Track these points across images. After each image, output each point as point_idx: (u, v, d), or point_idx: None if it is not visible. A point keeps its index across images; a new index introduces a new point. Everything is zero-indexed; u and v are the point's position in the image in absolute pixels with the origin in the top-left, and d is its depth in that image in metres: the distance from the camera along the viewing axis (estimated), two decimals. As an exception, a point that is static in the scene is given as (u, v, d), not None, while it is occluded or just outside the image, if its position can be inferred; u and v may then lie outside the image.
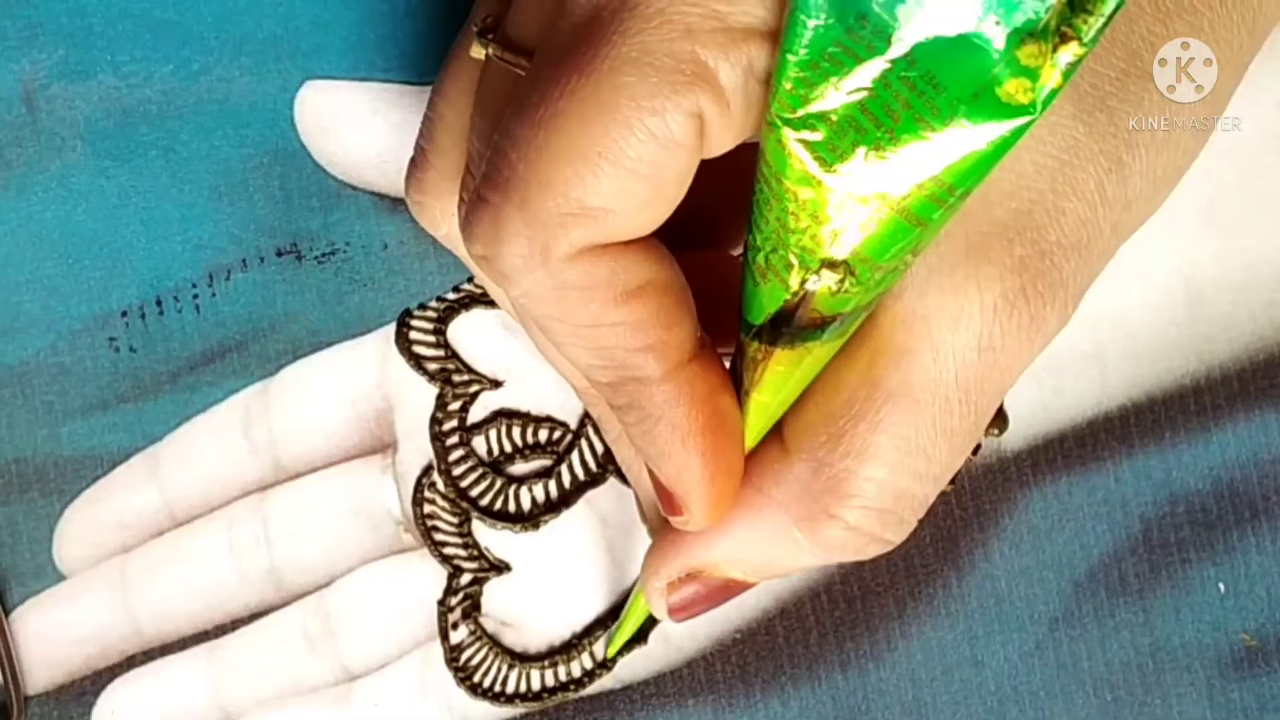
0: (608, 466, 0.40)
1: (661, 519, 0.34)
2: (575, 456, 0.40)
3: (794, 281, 0.26)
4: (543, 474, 0.40)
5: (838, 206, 0.25)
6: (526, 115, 0.26)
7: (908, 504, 0.29)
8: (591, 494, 0.40)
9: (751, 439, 0.30)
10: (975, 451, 0.39)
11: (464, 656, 0.39)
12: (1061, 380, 0.40)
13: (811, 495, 0.29)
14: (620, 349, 0.27)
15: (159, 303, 0.39)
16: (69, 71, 0.39)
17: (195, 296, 0.39)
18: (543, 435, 0.40)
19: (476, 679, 0.39)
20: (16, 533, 0.39)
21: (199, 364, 0.39)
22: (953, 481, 0.39)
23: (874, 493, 0.29)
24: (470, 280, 0.40)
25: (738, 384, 0.29)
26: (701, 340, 0.29)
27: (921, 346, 0.28)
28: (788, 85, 0.24)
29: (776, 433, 0.30)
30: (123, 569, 0.39)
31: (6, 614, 0.39)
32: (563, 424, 0.40)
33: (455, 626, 0.39)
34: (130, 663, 0.39)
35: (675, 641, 0.40)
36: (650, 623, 0.39)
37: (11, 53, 0.39)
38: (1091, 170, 0.27)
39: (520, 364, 0.40)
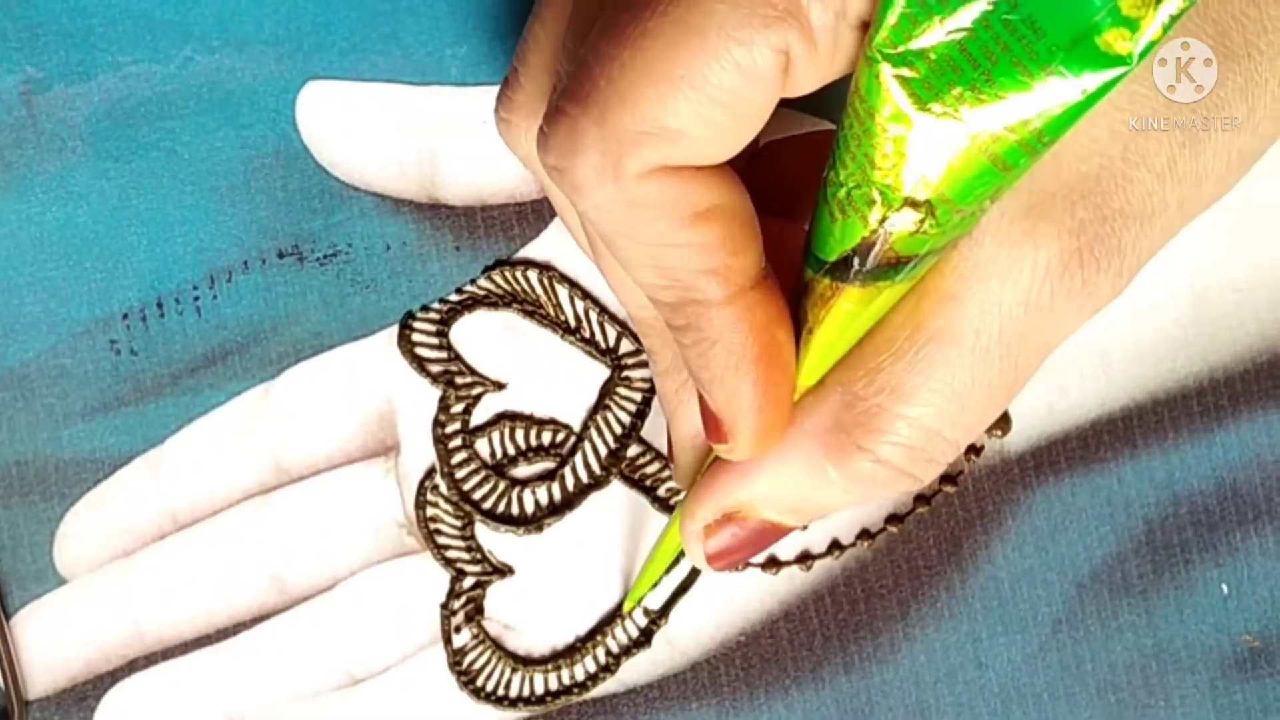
0: (611, 469, 0.40)
1: (690, 466, 0.34)
2: (578, 459, 0.40)
3: (874, 219, 0.26)
4: (546, 477, 0.40)
5: (927, 145, 0.25)
6: (615, 33, 0.26)
7: (938, 445, 0.29)
8: (595, 497, 0.40)
9: (811, 377, 0.30)
10: (978, 453, 0.39)
11: (467, 660, 0.39)
12: (1065, 380, 0.40)
13: (843, 428, 0.29)
14: (684, 270, 0.27)
15: (160, 305, 0.39)
16: (69, 72, 0.39)
17: (196, 298, 0.39)
18: (546, 438, 0.40)
19: (480, 683, 0.39)
20: (17, 536, 0.39)
21: (200, 366, 0.39)
22: (955, 482, 0.39)
23: (905, 430, 0.29)
24: (473, 282, 0.40)
25: (801, 322, 0.29)
26: (765, 271, 0.29)
27: (969, 294, 0.28)
28: (893, 20, 0.24)
29: None
30: (124, 573, 0.39)
31: (7, 618, 0.39)
32: (566, 426, 0.40)
33: (458, 630, 0.39)
34: (132, 667, 0.39)
35: (679, 645, 0.40)
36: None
37: (12, 53, 0.39)
38: (1165, 142, 0.28)
39: (524, 366, 0.40)
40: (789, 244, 0.30)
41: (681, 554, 0.35)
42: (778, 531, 0.32)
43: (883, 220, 0.26)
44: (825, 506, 0.31)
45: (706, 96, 0.26)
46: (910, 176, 0.26)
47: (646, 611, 0.39)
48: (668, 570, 0.38)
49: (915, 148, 0.25)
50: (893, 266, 0.27)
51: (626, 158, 0.26)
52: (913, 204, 0.26)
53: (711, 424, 0.30)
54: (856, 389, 0.29)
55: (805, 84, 0.26)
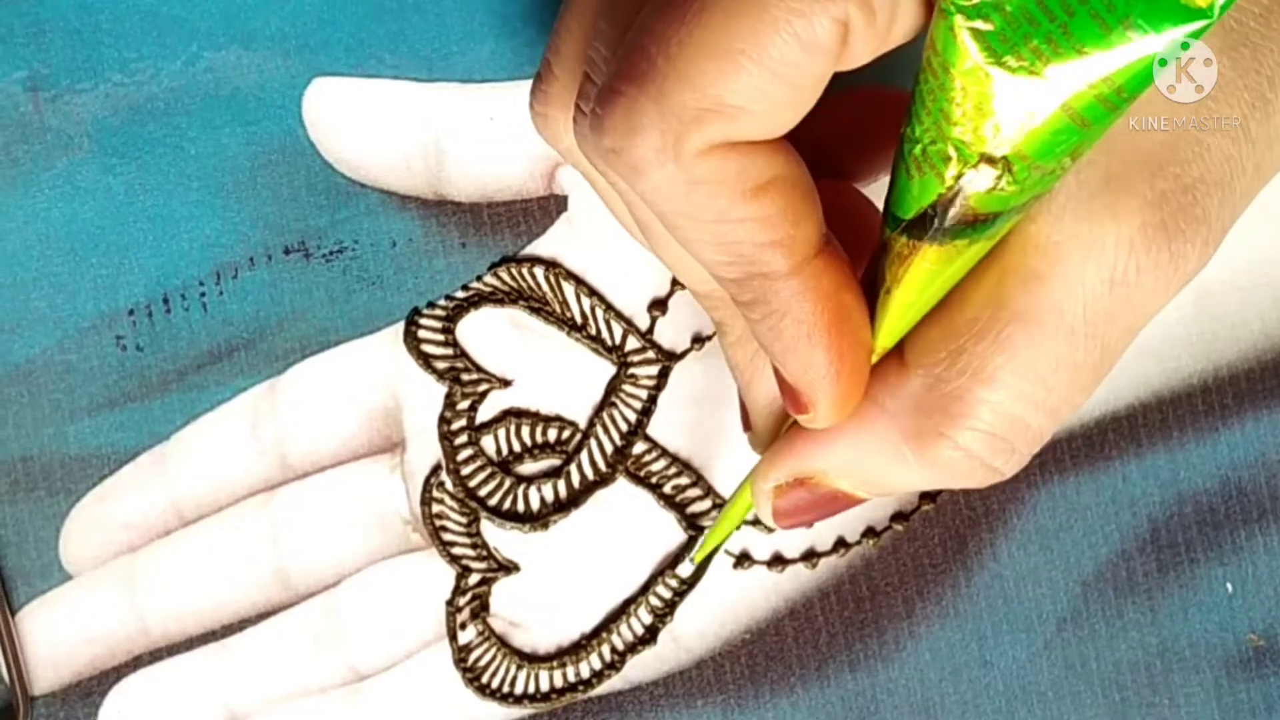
0: (616, 466, 0.40)
1: (767, 430, 0.34)
2: (584, 456, 0.40)
3: (950, 175, 0.26)
4: (552, 474, 0.40)
5: (1003, 100, 0.25)
6: (670, 10, 0.26)
7: (1021, 433, 0.29)
8: (601, 494, 0.40)
9: (891, 338, 0.30)
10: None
11: (472, 657, 0.39)
12: (1069, 379, 0.40)
13: (924, 411, 0.29)
14: (748, 244, 0.27)
15: (166, 301, 0.39)
16: (76, 69, 0.39)
17: (203, 294, 0.39)
18: (552, 435, 0.40)
19: (485, 679, 0.39)
20: (23, 532, 0.39)
21: (206, 363, 0.39)
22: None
23: (988, 416, 0.28)
24: (479, 279, 0.40)
25: (880, 282, 0.29)
26: (827, 238, 0.28)
27: (1052, 273, 0.27)
28: None
29: (896, 346, 0.30)
30: (130, 568, 0.39)
31: (13, 613, 0.39)
32: (572, 423, 0.40)
33: (464, 627, 0.39)
34: (137, 663, 0.39)
35: (684, 642, 0.39)
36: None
37: (18, 50, 0.39)
38: (1236, 105, 0.27)
39: (530, 363, 0.40)
40: (838, 204, 0.30)
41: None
42: (849, 500, 0.32)
43: (959, 176, 0.26)
44: (900, 486, 0.31)
45: (767, 70, 0.25)
46: (986, 132, 0.25)
47: (651, 610, 0.39)
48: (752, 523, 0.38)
49: (990, 103, 0.25)
50: (971, 225, 0.27)
51: (687, 135, 0.26)
52: (989, 160, 0.25)
53: (790, 395, 0.30)
54: (938, 370, 0.28)
55: (862, 54, 0.26)
